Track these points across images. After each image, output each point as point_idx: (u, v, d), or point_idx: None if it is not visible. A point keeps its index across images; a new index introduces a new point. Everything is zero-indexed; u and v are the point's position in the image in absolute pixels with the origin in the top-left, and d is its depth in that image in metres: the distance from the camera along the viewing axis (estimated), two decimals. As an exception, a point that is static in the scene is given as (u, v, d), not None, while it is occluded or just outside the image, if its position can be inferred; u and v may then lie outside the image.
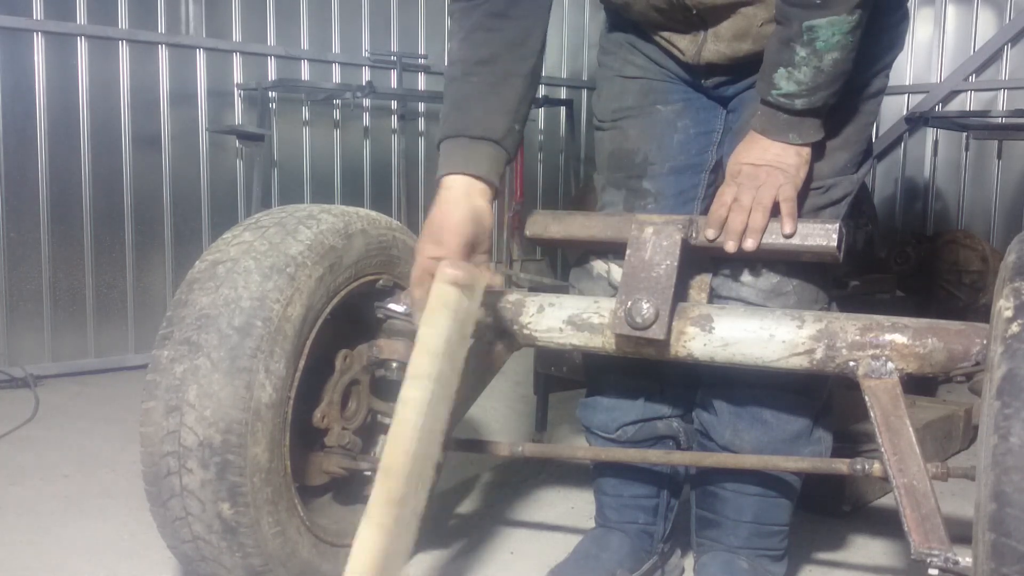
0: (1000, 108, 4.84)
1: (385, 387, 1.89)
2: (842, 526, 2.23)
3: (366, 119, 4.74)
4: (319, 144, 4.61)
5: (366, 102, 4.64)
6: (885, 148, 5.28)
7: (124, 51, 4.00)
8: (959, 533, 1.46)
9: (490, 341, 1.79)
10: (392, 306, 1.79)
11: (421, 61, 4.85)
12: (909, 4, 1.80)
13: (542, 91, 5.20)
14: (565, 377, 2.78)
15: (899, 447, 1.46)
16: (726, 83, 1.80)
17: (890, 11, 1.68)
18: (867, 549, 2.12)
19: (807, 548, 2.09)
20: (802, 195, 1.64)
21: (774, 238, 1.60)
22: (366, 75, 4.70)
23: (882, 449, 1.47)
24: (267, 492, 1.55)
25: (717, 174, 1.79)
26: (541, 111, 5.37)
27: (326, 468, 1.78)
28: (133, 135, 4.05)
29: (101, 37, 3.92)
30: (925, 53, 5.20)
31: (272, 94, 4.37)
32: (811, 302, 1.69)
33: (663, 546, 1.92)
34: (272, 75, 4.38)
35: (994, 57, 4.94)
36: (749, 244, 1.60)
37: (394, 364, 1.76)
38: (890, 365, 1.50)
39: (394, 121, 4.80)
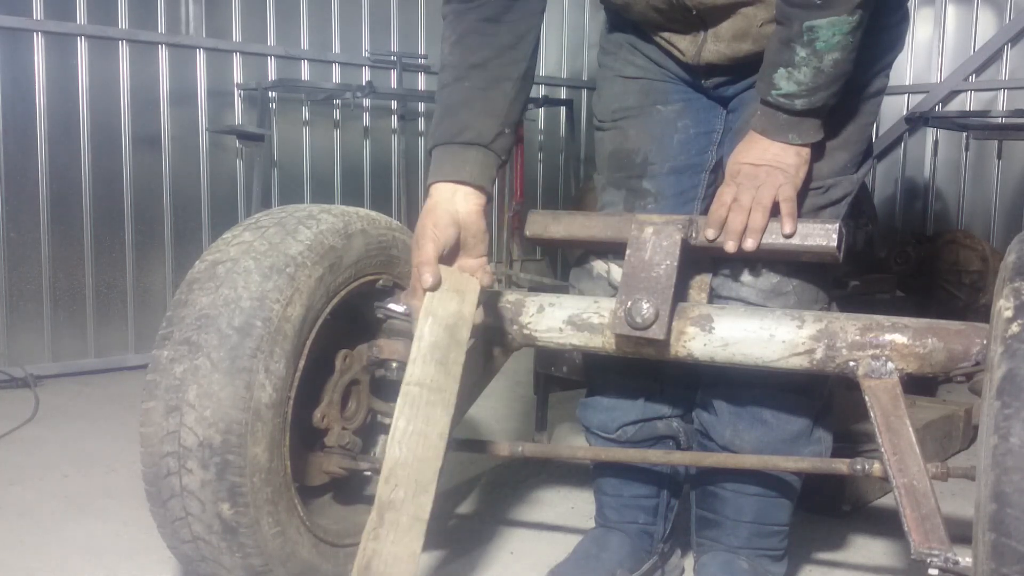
0: (1000, 108, 4.83)
1: (385, 387, 1.89)
2: (842, 526, 2.23)
3: (366, 119, 4.74)
4: (319, 144, 4.61)
5: (366, 102, 4.65)
6: (885, 148, 5.28)
7: (124, 51, 4.00)
8: (959, 533, 1.46)
9: (490, 341, 1.79)
10: (392, 306, 1.78)
11: (421, 61, 4.85)
12: (909, 4, 1.80)
13: (542, 91, 5.20)
14: (565, 377, 2.77)
15: (899, 447, 1.46)
16: (726, 83, 1.80)
17: (890, 11, 1.68)
18: (867, 549, 2.12)
19: (807, 548, 2.09)
20: (802, 195, 1.64)
21: (774, 238, 1.60)
22: (366, 75, 4.70)
23: (882, 449, 1.47)
24: (267, 492, 1.55)
25: (717, 174, 1.79)
26: (541, 111, 5.37)
27: (326, 468, 1.78)
28: (133, 135, 4.05)
29: (101, 37, 3.93)
30: (925, 53, 5.20)
31: (272, 94, 4.38)
32: (811, 302, 1.69)
33: (663, 546, 1.92)
34: (272, 75, 4.38)
35: (994, 57, 4.94)
36: (749, 244, 1.60)
37: (394, 364, 1.76)
38: (890, 365, 1.50)
39: (394, 121, 4.80)
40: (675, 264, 1.60)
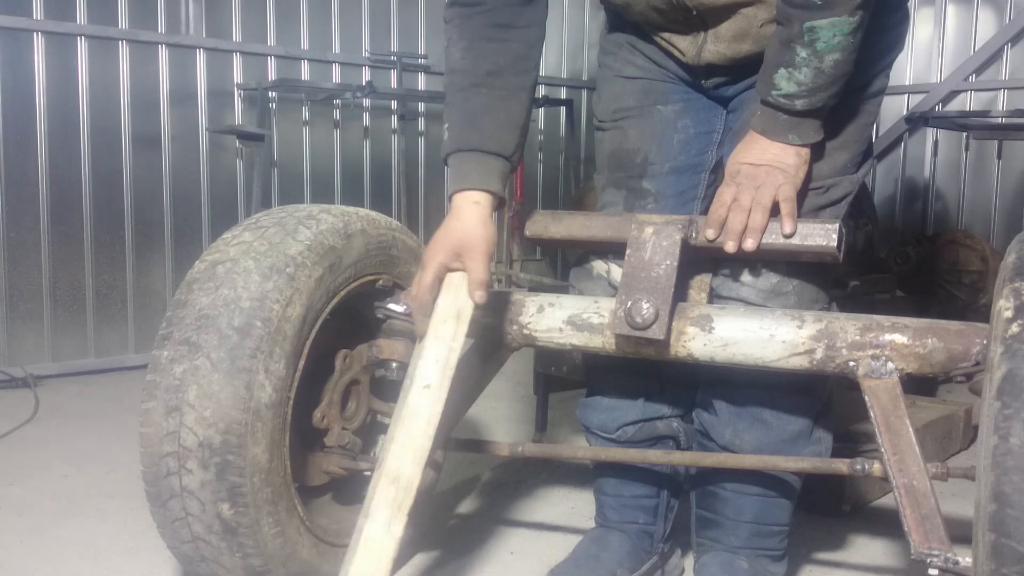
0: (1000, 108, 4.83)
1: (385, 387, 1.89)
2: (842, 526, 2.23)
3: (366, 119, 4.73)
4: (319, 144, 4.61)
5: (366, 102, 4.64)
6: (885, 148, 5.28)
7: (124, 51, 3.99)
8: (959, 533, 1.46)
9: (490, 341, 1.79)
10: (392, 306, 1.79)
11: (421, 61, 4.85)
12: (909, 4, 1.80)
13: (542, 91, 5.20)
14: (565, 377, 2.78)
15: (899, 447, 1.46)
16: (726, 83, 1.80)
17: (890, 11, 1.68)
18: (867, 549, 2.12)
19: (807, 548, 2.09)
20: (802, 195, 1.64)
21: (774, 238, 1.60)
22: (366, 75, 4.70)
23: (882, 449, 1.47)
24: (267, 492, 1.55)
25: (717, 174, 1.79)
26: (541, 111, 5.37)
27: (326, 468, 1.78)
28: (133, 135, 4.05)
29: (101, 37, 3.92)
30: (925, 53, 5.20)
31: (272, 94, 4.37)
32: (811, 302, 1.69)
33: (663, 546, 1.92)
34: (272, 75, 4.38)
35: (994, 57, 4.94)
36: (749, 244, 1.60)
37: (394, 364, 1.76)
38: (890, 365, 1.50)
39: (394, 121, 4.80)
40: (675, 264, 1.60)
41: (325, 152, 4.63)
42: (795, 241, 1.60)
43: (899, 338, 1.51)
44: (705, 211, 1.72)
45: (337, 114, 4.64)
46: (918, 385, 2.96)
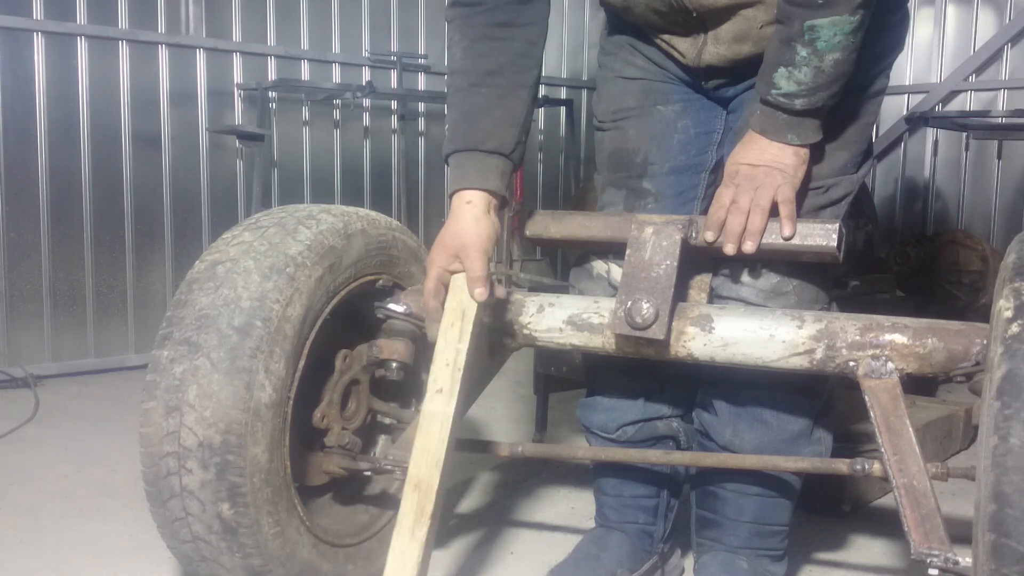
0: (1000, 108, 4.83)
1: (385, 387, 1.89)
2: (842, 526, 2.23)
3: (366, 119, 4.73)
4: (319, 144, 4.61)
5: (366, 102, 4.64)
6: (885, 148, 5.28)
7: (124, 51, 4.00)
8: (959, 533, 1.46)
9: (490, 341, 1.79)
10: (392, 306, 1.79)
11: (421, 61, 4.85)
12: (909, 4, 1.79)
13: (542, 91, 5.20)
14: (565, 377, 2.78)
15: (899, 447, 1.46)
16: (726, 85, 1.79)
17: (891, 11, 1.68)
18: (867, 549, 2.12)
19: (807, 548, 2.09)
20: (802, 195, 1.64)
21: (773, 239, 1.60)
22: (366, 75, 4.70)
23: (882, 449, 1.47)
24: (267, 492, 1.55)
25: (717, 174, 1.79)
26: (541, 111, 5.37)
27: (326, 468, 1.78)
28: (133, 135, 4.05)
29: (101, 37, 3.92)
30: (925, 53, 5.20)
31: (272, 94, 4.37)
32: (811, 302, 1.69)
33: (663, 546, 1.92)
34: (272, 75, 4.38)
35: (994, 57, 4.94)
36: (748, 247, 1.60)
37: (394, 364, 1.76)
38: (890, 365, 1.50)
39: (394, 121, 4.80)
40: (675, 264, 1.60)
41: (325, 152, 4.63)
42: (795, 241, 1.60)
43: (899, 338, 1.51)
44: (705, 211, 1.72)
45: (337, 114, 4.64)
46: (918, 385, 2.96)
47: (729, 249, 1.61)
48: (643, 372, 1.82)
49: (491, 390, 2.02)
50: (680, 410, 1.88)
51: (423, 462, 1.53)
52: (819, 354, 1.54)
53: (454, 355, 1.58)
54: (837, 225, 1.60)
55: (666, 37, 1.78)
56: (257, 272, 1.58)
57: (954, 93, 5.09)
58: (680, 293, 1.65)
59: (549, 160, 5.58)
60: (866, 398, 1.50)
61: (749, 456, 1.70)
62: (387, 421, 1.90)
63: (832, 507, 2.28)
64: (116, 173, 4.03)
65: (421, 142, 4.96)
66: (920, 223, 5.21)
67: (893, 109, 5.22)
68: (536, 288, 1.90)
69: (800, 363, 1.55)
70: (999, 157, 4.95)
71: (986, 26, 5.00)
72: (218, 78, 4.26)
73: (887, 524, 2.20)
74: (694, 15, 1.68)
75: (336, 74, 4.63)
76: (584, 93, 5.58)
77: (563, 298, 1.74)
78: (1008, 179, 4.94)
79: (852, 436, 2.36)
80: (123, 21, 3.99)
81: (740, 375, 1.66)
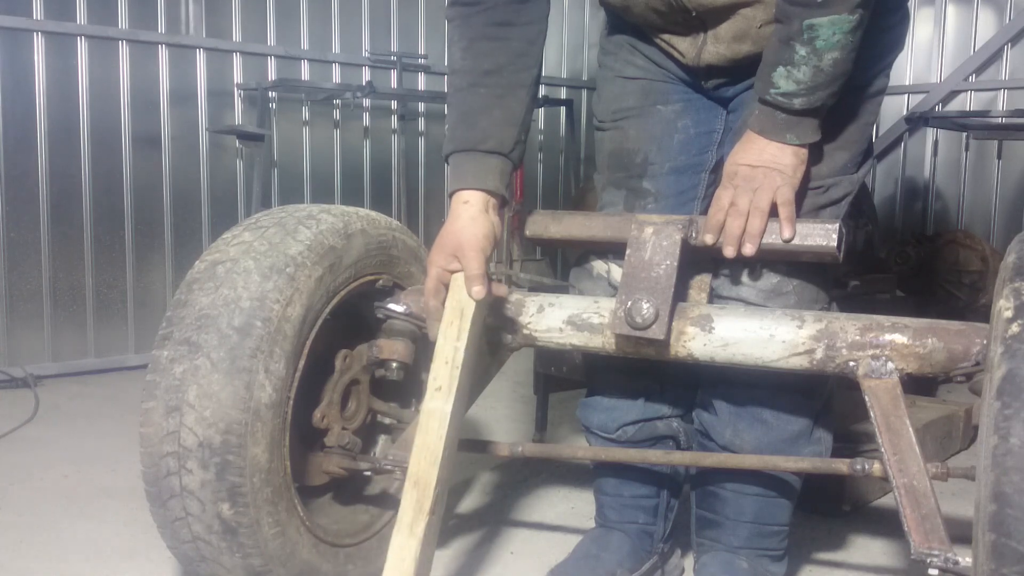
0: (1000, 108, 4.83)
1: (385, 387, 1.89)
2: (842, 526, 2.23)
3: (366, 119, 4.73)
4: (319, 144, 4.61)
5: (366, 102, 4.64)
6: (885, 148, 5.28)
7: (124, 51, 4.00)
8: (959, 533, 1.46)
9: (490, 341, 1.79)
10: (392, 306, 1.79)
11: (421, 61, 4.85)
12: (909, 4, 1.79)
13: (542, 91, 5.19)
14: (565, 377, 2.78)
15: (899, 447, 1.46)
16: (726, 84, 1.79)
17: (890, 11, 1.68)
18: (867, 549, 2.12)
19: (807, 548, 2.09)
20: (801, 195, 1.64)
21: (773, 239, 1.60)
22: (366, 75, 4.70)
23: (882, 449, 1.47)
24: (267, 492, 1.55)
25: (717, 174, 1.79)
26: (541, 111, 5.37)
27: (326, 468, 1.78)
28: (133, 135, 4.05)
29: (101, 37, 3.92)
30: (925, 53, 5.20)
31: (272, 94, 4.37)
32: (811, 302, 1.69)
33: (663, 546, 1.92)
34: (272, 75, 4.38)
35: (994, 57, 4.94)
36: (748, 249, 1.59)
37: (394, 364, 1.76)
38: (890, 365, 1.50)
39: (394, 121, 4.80)
40: (675, 264, 1.60)
41: (325, 152, 4.63)
42: (795, 241, 1.60)
43: (899, 338, 1.51)
44: (705, 211, 1.72)
45: (337, 114, 4.64)
46: (918, 385, 2.96)
47: (729, 252, 1.60)
48: (643, 372, 1.82)
49: (491, 390, 2.02)
50: (680, 410, 1.88)
51: (422, 459, 1.54)
52: (819, 354, 1.54)
53: (453, 353, 1.59)
54: (837, 225, 1.60)
55: (666, 37, 1.78)
56: (257, 272, 1.58)
57: (954, 93, 5.09)
58: (680, 293, 1.65)
59: (549, 160, 5.58)
60: (866, 398, 1.50)
61: (749, 456, 1.70)
62: (387, 421, 1.90)
63: (832, 507, 2.28)
64: (116, 173, 4.03)
65: (421, 142, 4.96)
66: (920, 223, 5.21)
67: (893, 109, 5.22)
68: (536, 288, 1.90)
69: (800, 363, 1.55)
70: (999, 157, 4.95)
71: (986, 26, 5.00)
72: (218, 78, 4.26)
73: (887, 524, 2.20)
74: (693, 14, 1.68)
75: (336, 74, 4.63)
76: (584, 93, 5.58)
77: (563, 298, 1.74)
78: (1008, 179, 4.94)
79: (852, 436, 2.36)
80: (123, 21, 3.98)
81: (740, 375, 1.66)
